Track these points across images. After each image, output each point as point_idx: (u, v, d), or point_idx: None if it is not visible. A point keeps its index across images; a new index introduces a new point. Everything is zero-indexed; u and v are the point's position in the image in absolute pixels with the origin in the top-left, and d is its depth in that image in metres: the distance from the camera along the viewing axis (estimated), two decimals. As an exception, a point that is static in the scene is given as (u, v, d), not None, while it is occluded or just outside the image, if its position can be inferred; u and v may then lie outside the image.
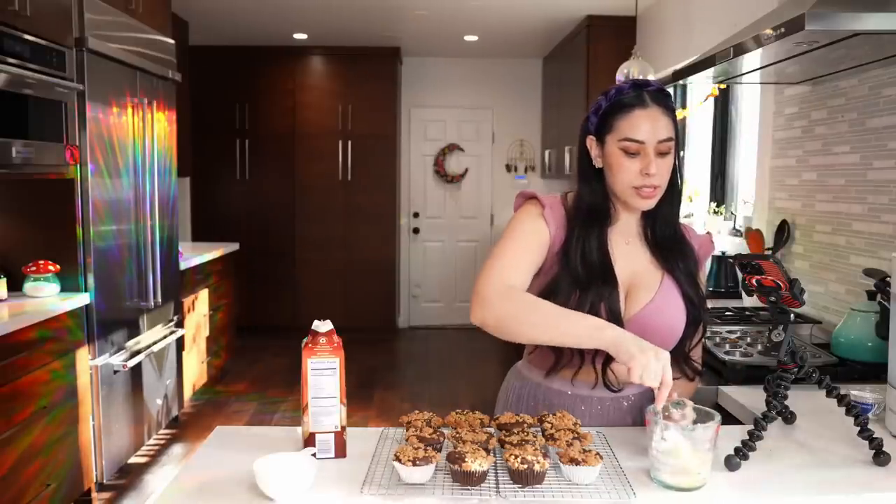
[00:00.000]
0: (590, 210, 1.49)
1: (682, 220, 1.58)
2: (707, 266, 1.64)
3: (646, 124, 1.41)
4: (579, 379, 1.50)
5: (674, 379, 1.46)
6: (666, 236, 1.52)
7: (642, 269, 1.50)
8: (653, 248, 1.52)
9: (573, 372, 1.50)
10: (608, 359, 1.46)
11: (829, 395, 1.35)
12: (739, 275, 1.44)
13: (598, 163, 1.48)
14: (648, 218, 1.53)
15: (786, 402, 1.42)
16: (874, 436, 1.29)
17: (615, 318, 1.42)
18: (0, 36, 2.44)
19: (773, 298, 1.36)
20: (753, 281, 1.38)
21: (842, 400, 1.34)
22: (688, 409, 1.23)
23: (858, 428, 1.30)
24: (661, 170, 1.42)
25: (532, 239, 1.46)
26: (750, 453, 1.26)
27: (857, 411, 1.32)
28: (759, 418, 1.31)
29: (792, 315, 1.50)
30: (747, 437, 1.27)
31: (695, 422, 1.21)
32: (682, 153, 1.52)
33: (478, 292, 1.39)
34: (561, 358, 1.49)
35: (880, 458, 1.27)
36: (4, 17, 2.45)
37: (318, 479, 1.17)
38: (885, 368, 1.45)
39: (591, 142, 1.49)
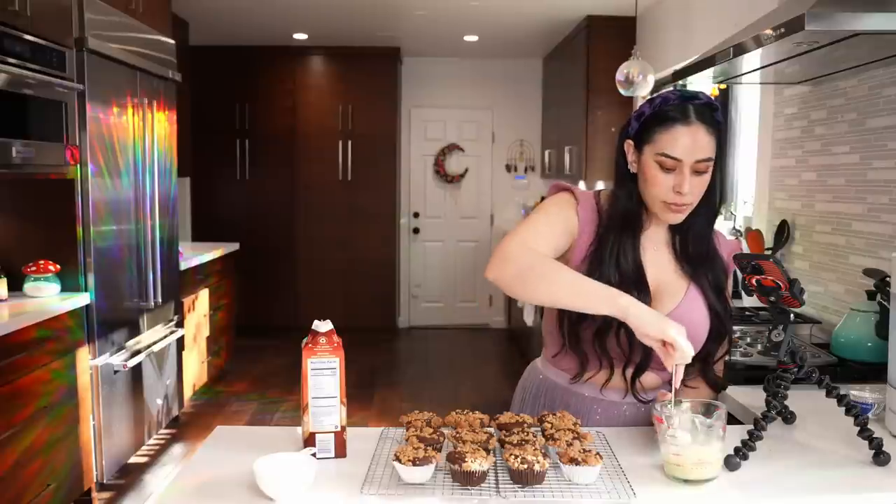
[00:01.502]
0: (625, 216, 1.46)
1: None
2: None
3: (686, 141, 1.36)
4: (610, 387, 1.49)
5: (696, 387, 1.47)
6: (697, 248, 1.50)
7: (668, 276, 1.49)
8: (679, 258, 1.51)
9: (604, 380, 1.49)
10: (638, 370, 1.46)
11: (828, 395, 1.35)
12: (739, 275, 1.43)
13: (633, 168, 1.46)
14: (680, 230, 1.50)
15: (786, 402, 1.42)
16: (874, 436, 1.29)
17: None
18: (0, 36, 2.44)
19: (773, 298, 1.36)
20: (753, 281, 1.38)
21: (842, 400, 1.34)
22: (684, 405, 1.25)
23: (858, 428, 1.30)
24: (694, 188, 1.39)
25: (560, 221, 1.46)
26: (750, 453, 1.26)
27: (856, 411, 1.32)
28: (759, 418, 1.31)
29: (792, 315, 1.50)
30: (747, 437, 1.27)
31: (704, 415, 1.23)
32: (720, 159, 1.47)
33: (500, 248, 1.38)
34: (586, 363, 1.49)
35: (880, 458, 1.27)
36: (4, 17, 2.45)
37: (318, 479, 1.17)
38: (885, 368, 1.45)
39: (628, 146, 1.46)
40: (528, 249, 1.37)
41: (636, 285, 1.43)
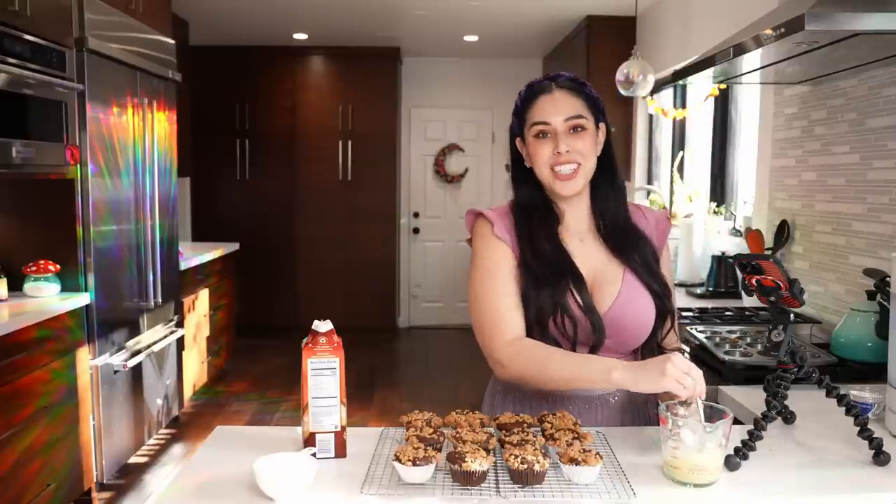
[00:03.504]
0: (530, 211, 1.49)
1: (635, 203, 1.58)
2: (669, 245, 1.61)
3: (550, 106, 1.44)
4: None
5: None
6: (617, 231, 1.51)
7: (602, 264, 1.49)
8: (608, 243, 1.51)
9: None
10: (593, 350, 1.44)
11: (828, 395, 1.35)
12: (739, 275, 1.43)
13: (528, 162, 1.50)
14: (598, 215, 1.52)
15: (786, 402, 1.42)
16: (874, 436, 1.29)
17: (589, 310, 1.41)
18: (0, 36, 2.44)
19: (773, 298, 1.36)
20: (753, 281, 1.38)
21: (842, 400, 1.34)
22: (693, 404, 1.24)
23: (858, 428, 1.30)
24: (574, 147, 1.43)
25: (502, 267, 1.46)
26: (750, 453, 1.26)
27: (856, 411, 1.32)
28: (759, 418, 1.31)
29: (792, 315, 1.50)
30: (747, 437, 1.27)
31: (707, 417, 1.22)
32: (610, 138, 1.54)
33: (490, 356, 1.42)
34: None
35: (880, 458, 1.27)
36: (4, 17, 2.45)
37: (318, 479, 1.17)
38: (885, 368, 1.45)
39: (519, 144, 1.52)
40: (513, 353, 1.39)
41: (564, 272, 1.42)
